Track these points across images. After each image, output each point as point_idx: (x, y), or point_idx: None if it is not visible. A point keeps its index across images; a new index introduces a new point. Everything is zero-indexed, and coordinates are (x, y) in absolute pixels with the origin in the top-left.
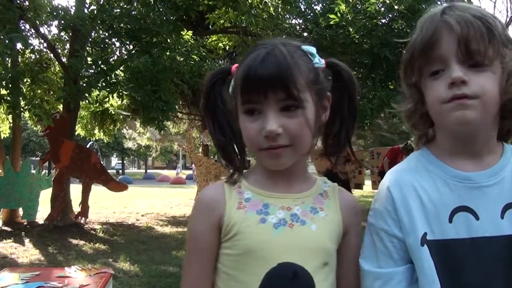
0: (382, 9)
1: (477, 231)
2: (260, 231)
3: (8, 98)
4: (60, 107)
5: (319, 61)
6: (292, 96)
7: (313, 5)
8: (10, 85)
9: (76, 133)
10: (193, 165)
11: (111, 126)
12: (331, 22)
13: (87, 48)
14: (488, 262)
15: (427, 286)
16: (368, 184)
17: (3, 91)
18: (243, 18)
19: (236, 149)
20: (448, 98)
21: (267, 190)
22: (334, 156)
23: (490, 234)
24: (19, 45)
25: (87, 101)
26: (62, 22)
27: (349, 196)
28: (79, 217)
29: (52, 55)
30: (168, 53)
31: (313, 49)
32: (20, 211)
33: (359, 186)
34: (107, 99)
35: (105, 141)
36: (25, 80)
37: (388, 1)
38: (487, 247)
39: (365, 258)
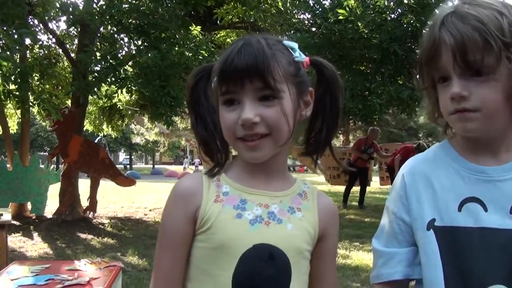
0: (391, 3)
1: (484, 221)
2: (235, 226)
3: (17, 93)
4: (69, 102)
5: (300, 55)
6: (268, 85)
7: (321, 0)
8: (19, 80)
9: (84, 128)
10: (195, 160)
11: (119, 122)
12: (340, 17)
13: (96, 43)
14: (492, 252)
15: (430, 270)
16: (376, 180)
17: (12, 86)
18: (251, 13)
19: (218, 145)
20: (451, 111)
21: (246, 186)
22: (314, 155)
23: (496, 226)
24: (28, 41)
25: (96, 96)
26: (71, 17)
27: (328, 200)
28: (88, 212)
29: (60, 50)
30: (176, 49)
31: (294, 44)
32: (29, 205)
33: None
34: (116, 94)
35: (113, 136)
36: (33, 75)
37: None
38: (492, 237)
39: (376, 237)
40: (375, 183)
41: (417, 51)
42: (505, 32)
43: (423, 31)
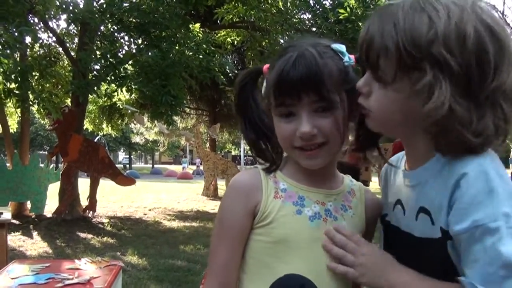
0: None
1: (401, 224)
2: (296, 221)
3: (17, 91)
4: (69, 101)
5: (349, 60)
6: (323, 97)
7: (322, 0)
8: (19, 79)
9: (84, 127)
10: (197, 160)
11: (119, 121)
12: (341, 17)
13: (96, 41)
14: (405, 255)
15: None
16: (375, 180)
17: (12, 85)
18: (252, 13)
19: (269, 146)
20: None
21: (302, 183)
22: (363, 151)
23: (408, 230)
24: (28, 39)
25: (95, 95)
26: (71, 15)
27: (374, 197)
28: (87, 211)
29: (61, 49)
30: (177, 48)
31: (342, 47)
32: (28, 204)
33: (366, 182)
34: (115, 93)
35: (113, 135)
36: (33, 74)
37: None
38: (406, 241)
39: None
40: (374, 184)
41: None
42: (421, 47)
43: None
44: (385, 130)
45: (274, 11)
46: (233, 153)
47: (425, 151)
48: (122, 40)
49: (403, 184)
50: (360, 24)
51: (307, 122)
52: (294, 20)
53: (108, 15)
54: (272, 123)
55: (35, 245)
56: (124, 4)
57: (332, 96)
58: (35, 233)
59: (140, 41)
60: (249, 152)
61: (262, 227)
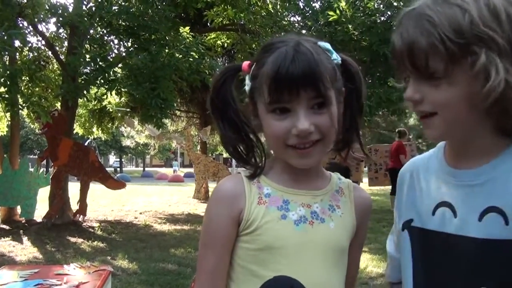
0: (381, 6)
1: (451, 227)
2: (281, 227)
3: (6, 95)
4: (58, 105)
5: (337, 57)
6: (321, 93)
7: (311, 2)
8: (8, 82)
9: (74, 131)
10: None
11: (109, 124)
12: (331, 19)
13: (86, 45)
14: (456, 261)
15: (403, 269)
16: (365, 181)
17: (1, 89)
18: (241, 15)
19: (253, 148)
20: (418, 115)
21: (286, 186)
22: (344, 150)
23: (461, 233)
24: (17, 43)
25: (85, 99)
26: (61, 19)
27: (364, 194)
28: (77, 215)
29: (50, 52)
30: (166, 50)
31: (328, 45)
32: (18, 209)
33: (356, 183)
34: (105, 97)
35: (103, 139)
36: (23, 78)
37: None
38: (458, 246)
39: (389, 237)
40: (365, 185)
41: None
42: (464, 33)
43: None
44: (450, 130)
45: (264, 13)
46: (224, 155)
47: (491, 146)
48: (111, 43)
49: (451, 185)
50: (349, 26)
51: (305, 119)
52: (284, 22)
53: (97, 19)
54: (250, 123)
55: (25, 250)
56: (113, 8)
57: (329, 93)
58: (25, 238)
59: (129, 44)
60: None
61: (247, 235)
